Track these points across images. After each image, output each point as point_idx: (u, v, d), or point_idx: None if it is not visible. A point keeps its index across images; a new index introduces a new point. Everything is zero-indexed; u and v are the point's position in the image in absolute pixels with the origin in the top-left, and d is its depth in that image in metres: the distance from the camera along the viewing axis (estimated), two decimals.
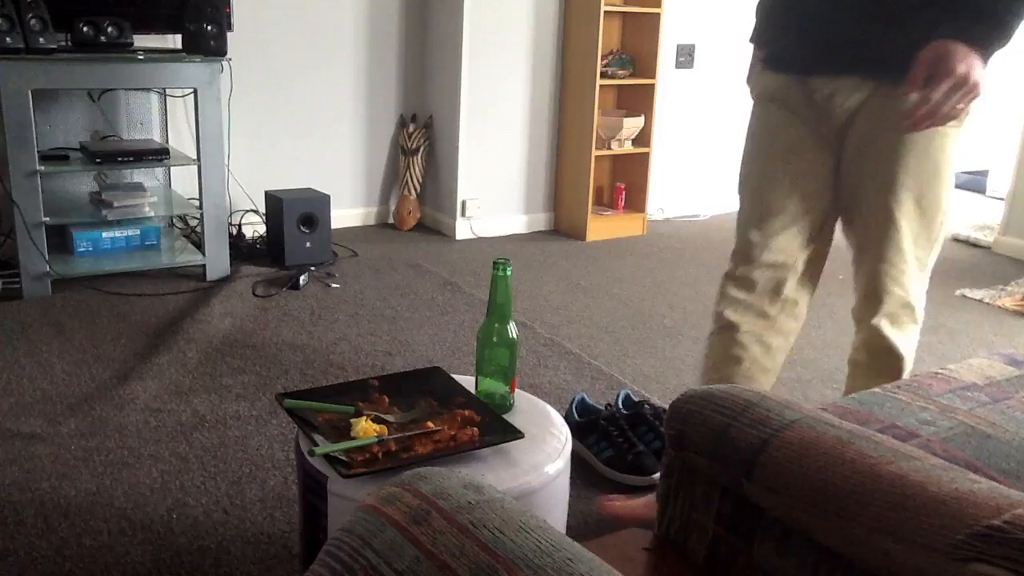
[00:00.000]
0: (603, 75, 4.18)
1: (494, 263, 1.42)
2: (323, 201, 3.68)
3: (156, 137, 3.72)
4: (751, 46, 1.90)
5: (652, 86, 4.33)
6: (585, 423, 2.18)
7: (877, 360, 1.73)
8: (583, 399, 2.31)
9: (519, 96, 4.26)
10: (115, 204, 3.27)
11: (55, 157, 3.22)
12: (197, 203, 3.40)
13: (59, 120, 3.52)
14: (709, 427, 1.04)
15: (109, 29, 3.15)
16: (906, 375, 1.72)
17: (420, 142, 4.30)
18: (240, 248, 3.73)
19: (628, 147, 4.38)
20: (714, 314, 1.85)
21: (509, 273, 1.42)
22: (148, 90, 3.65)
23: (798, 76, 1.69)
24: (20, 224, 3.04)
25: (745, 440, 0.99)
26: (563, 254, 4.08)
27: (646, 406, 2.22)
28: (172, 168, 3.72)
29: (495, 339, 1.45)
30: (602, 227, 4.38)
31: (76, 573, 1.67)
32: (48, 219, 3.10)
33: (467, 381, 1.54)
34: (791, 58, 1.71)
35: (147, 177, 3.71)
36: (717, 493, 1.05)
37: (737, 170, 1.88)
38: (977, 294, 3.68)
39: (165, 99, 3.72)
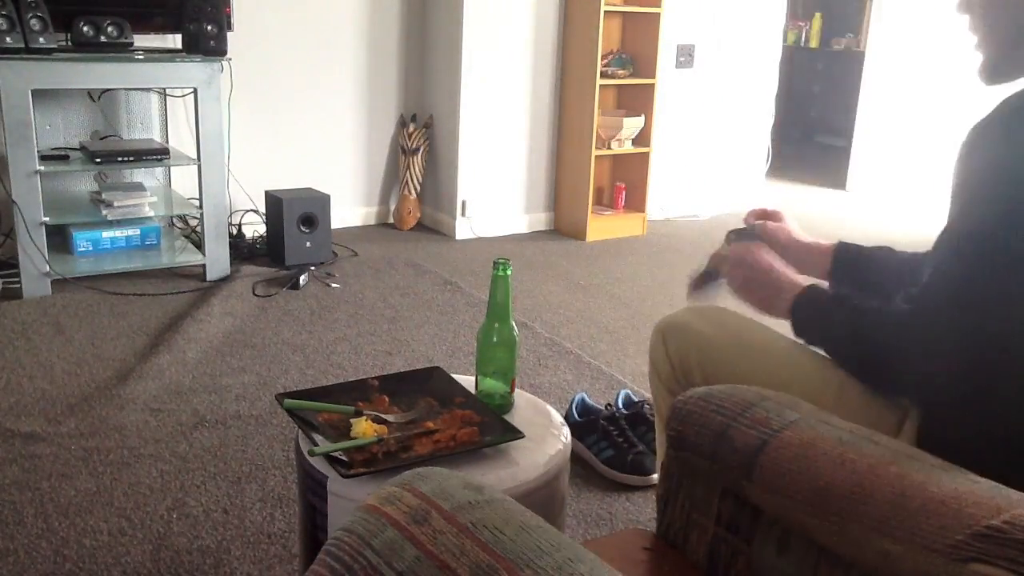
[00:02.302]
0: (603, 75, 4.18)
1: (494, 263, 1.42)
2: (323, 201, 3.68)
3: (156, 137, 3.72)
4: None
5: (652, 86, 4.33)
6: (585, 423, 2.18)
7: None
8: (583, 399, 2.31)
9: (519, 96, 4.26)
10: (115, 204, 3.27)
11: (55, 157, 3.22)
12: (197, 203, 3.40)
13: (59, 120, 3.52)
14: (709, 427, 1.04)
15: (109, 29, 3.15)
16: None
17: (420, 142, 4.30)
18: (240, 248, 3.73)
19: (628, 147, 4.38)
20: None
21: (509, 273, 1.42)
22: (148, 90, 3.65)
23: None
24: (20, 224, 3.04)
25: (745, 440, 0.99)
26: (563, 254, 4.08)
27: (646, 406, 2.22)
28: (172, 168, 3.72)
29: (495, 339, 1.44)
30: (602, 227, 4.38)
31: (76, 573, 1.67)
32: (48, 219, 3.10)
33: (467, 381, 1.54)
34: None
35: (147, 177, 3.71)
36: (717, 493, 1.05)
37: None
38: None
39: (165, 99, 3.72)
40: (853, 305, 1.25)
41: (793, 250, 1.50)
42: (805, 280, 1.33)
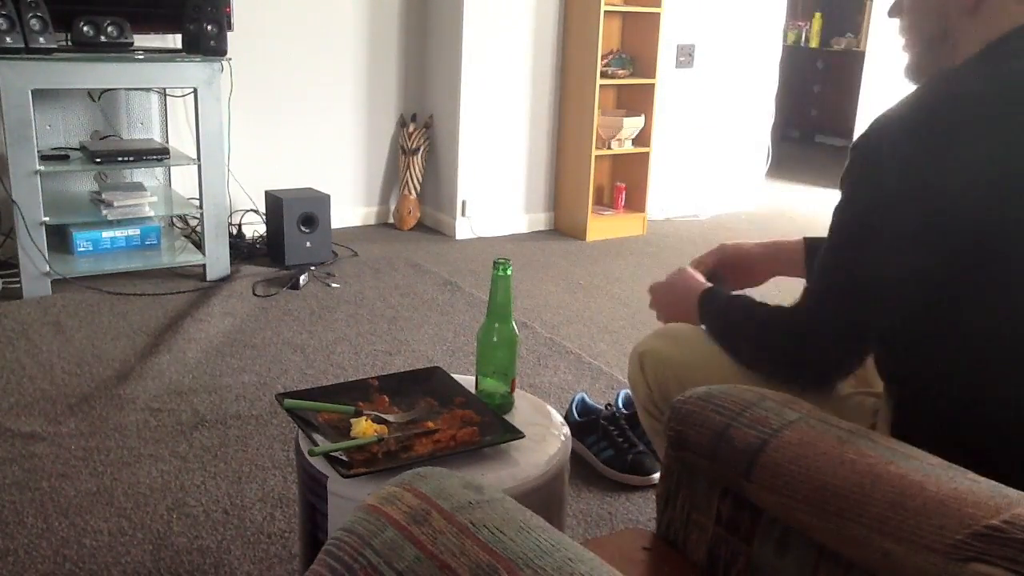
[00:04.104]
0: (603, 75, 4.18)
1: (494, 263, 1.42)
2: (323, 201, 3.68)
3: (156, 137, 3.71)
4: None
5: (652, 86, 4.33)
6: (585, 423, 2.18)
7: None
8: (583, 399, 2.31)
9: (519, 96, 4.25)
10: (115, 204, 3.27)
11: (55, 157, 3.22)
12: (197, 203, 3.40)
13: (59, 120, 3.52)
14: (709, 427, 1.04)
15: (109, 29, 3.15)
16: None
17: (420, 142, 4.30)
18: (240, 248, 3.73)
19: (628, 147, 4.38)
20: None
21: (509, 273, 1.42)
22: (148, 90, 3.65)
23: None
24: (20, 224, 3.04)
25: (744, 440, 0.99)
26: (563, 254, 4.08)
27: None
28: (172, 168, 3.72)
29: (495, 339, 1.45)
30: (602, 227, 4.38)
31: (76, 573, 1.67)
32: (48, 219, 3.09)
33: (467, 381, 1.54)
34: None
35: (147, 177, 3.71)
36: (717, 493, 1.05)
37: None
38: None
39: (165, 99, 3.72)
40: (746, 303, 1.37)
41: (760, 255, 1.61)
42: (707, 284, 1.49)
